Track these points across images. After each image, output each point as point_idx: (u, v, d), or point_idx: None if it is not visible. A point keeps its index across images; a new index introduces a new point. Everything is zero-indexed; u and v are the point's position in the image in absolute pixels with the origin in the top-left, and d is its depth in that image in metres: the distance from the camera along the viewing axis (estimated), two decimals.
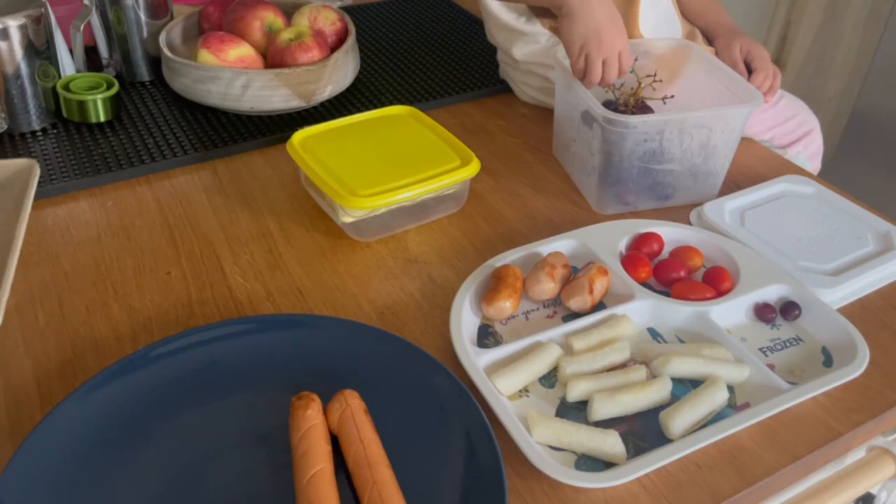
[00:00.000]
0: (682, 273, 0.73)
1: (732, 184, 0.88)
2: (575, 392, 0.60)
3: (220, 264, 0.74)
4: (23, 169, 0.72)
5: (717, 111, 0.79)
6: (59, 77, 0.93)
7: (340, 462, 0.53)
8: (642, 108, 0.88)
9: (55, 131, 0.92)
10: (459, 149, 0.81)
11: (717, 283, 0.71)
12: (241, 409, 0.57)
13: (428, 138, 0.83)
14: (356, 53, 1.03)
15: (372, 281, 0.73)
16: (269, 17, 1.01)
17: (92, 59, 1.05)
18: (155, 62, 1.04)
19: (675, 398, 0.61)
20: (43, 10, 0.88)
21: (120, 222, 0.79)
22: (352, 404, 0.55)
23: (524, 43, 0.97)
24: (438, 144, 0.82)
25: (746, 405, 0.61)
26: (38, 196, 0.81)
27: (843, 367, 0.63)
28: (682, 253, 0.75)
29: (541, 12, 0.96)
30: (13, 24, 0.85)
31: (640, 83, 0.87)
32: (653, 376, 0.63)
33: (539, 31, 0.96)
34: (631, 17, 0.94)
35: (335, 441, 0.54)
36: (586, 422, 0.59)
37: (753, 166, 0.93)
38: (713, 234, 0.77)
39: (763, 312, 0.70)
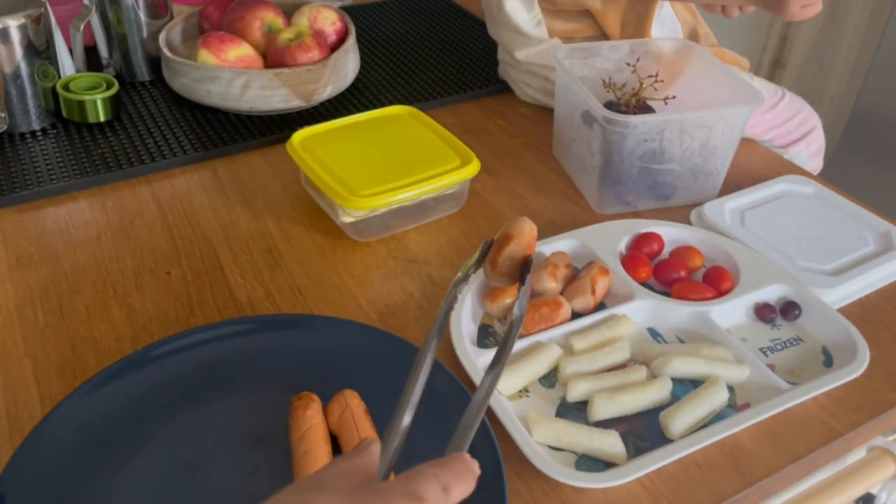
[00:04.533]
0: (683, 273, 0.73)
1: (733, 184, 0.88)
2: (575, 392, 0.60)
3: (219, 264, 0.74)
4: None
5: (717, 111, 0.79)
6: (59, 77, 0.93)
7: None
8: (644, 108, 0.88)
9: (55, 131, 0.92)
10: (459, 148, 0.81)
11: (717, 283, 0.71)
12: (241, 409, 0.57)
13: (428, 138, 0.83)
14: (356, 53, 1.03)
15: (372, 281, 0.73)
16: (269, 16, 1.01)
17: (92, 59, 1.05)
18: (155, 62, 1.04)
19: (675, 398, 0.61)
20: (43, 9, 0.88)
21: (120, 222, 0.79)
22: (351, 404, 0.55)
23: (527, 45, 0.97)
24: (438, 144, 0.82)
25: (747, 405, 0.61)
26: (38, 196, 0.82)
27: (844, 367, 0.63)
28: (682, 253, 0.75)
29: (556, 16, 0.97)
30: (13, 24, 0.85)
31: (641, 83, 0.87)
32: (653, 376, 0.63)
33: (544, 37, 0.96)
34: (647, 19, 0.94)
35: (335, 441, 0.54)
36: (586, 422, 0.59)
37: (754, 166, 0.93)
38: (713, 233, 0.77)
39: (763, 312, 0.70)
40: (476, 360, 0.61)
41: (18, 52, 0.87)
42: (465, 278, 0.55)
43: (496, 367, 0.46)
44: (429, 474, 0.34)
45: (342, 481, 0.35)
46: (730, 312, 0.69)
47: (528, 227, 0.66)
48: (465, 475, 0.35)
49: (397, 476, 0.34)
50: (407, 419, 0.41)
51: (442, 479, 0.34)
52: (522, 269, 0.63)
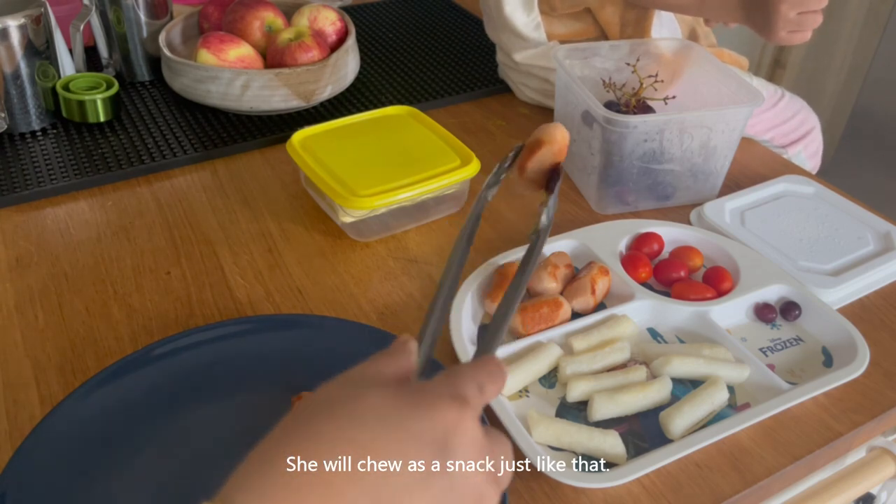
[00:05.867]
0: (683, 273, 0.73)
1: (733, 184, 0.88)
2: (575, 392, 0.60)
3: (219, 264, 0.74)
4: None
5: (717, 111, 0.79)
6: (59, 77, 0.93)
7: None
8: (644, 108, 0.88)
9: (55, 131, 0.92)
10: (459, 149, 0.81)
11: (717, 283, 0.71)
12: (241, 409, 0.57)
13: (428, 138, 0.83)
14: (356, 53, 1.03)
15: (372, 281, 0.73)
16: (269, 16, 1.01)
17: (92, 59, 1.05)
18: (155, 62, 1.04)
19: (675, 398, 0.61)
20: (43, 9, 0.88)
21: (120, 222, 0.79)
22: None
23: (526, 48, 0.97)
24: (438, 144, 0.82)
25: (747, 405, 0.61)
26: (38, 196, 0.82)
27: (844, 367, 0.63)
28: (682, 253, 0.75)
29: (555, 19, 0.97)
30: (13, 23, 0.85)
31: (641, 83, 0.87)
32: (653, 376, 0.63)
33: (543, 41, 0.96)
34: (647, 18, 0.94)
35: None
36: (586, 422, 0.59)
37: (754, 166, 0.93)
38: (713, 234, 0.77)
39: (763, 312, 0.70)
40: None
41: (18, 52, 0.87)
42: (496, 182, 0.54)
43: (523, 274, 0.47)
44: (467, 375, 0.36)
45: (386, 378, 0.36)
46: (730, 312, 0.69)
47: (561, 134, 0.62)
48: (496, 375, 0.37)
49: (435, 377, 0.36)
50: (441, 311, 0.42)
51: (477, 379, 0.36)
52: (551, 176, 0.61)
